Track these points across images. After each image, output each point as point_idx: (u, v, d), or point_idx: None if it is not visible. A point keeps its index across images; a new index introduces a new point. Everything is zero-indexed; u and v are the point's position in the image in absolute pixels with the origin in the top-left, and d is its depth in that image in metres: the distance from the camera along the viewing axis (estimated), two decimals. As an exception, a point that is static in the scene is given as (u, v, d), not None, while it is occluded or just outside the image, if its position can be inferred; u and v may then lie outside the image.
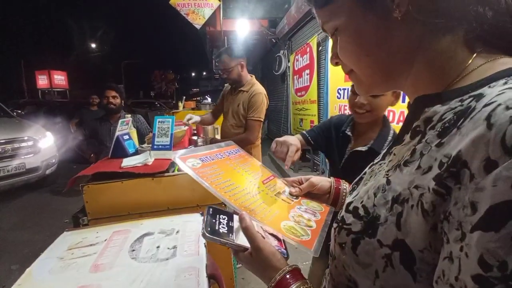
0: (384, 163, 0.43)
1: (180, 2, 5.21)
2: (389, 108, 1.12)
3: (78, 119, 4.46)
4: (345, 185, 0.71)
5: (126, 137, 1.60)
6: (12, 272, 2.32)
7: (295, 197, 0.68)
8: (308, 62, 4.61)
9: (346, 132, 1.13)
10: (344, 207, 0.43)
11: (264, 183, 0.67)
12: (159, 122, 1.50)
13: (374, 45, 0.38)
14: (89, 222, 1.17)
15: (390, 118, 2.24)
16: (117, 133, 1.54)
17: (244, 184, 0.62)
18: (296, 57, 5.23)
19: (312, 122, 4.65)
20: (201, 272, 0.72)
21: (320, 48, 4.28)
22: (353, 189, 0.49)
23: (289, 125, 6.05)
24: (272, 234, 0.54)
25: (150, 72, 23.55)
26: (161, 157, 1.43)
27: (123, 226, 0.98)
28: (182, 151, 0.60)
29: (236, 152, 0.75)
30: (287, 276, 0.44)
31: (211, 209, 0.52)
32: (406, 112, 0.43)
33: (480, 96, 0.29)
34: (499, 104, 0.25)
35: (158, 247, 0.84)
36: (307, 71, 4.68)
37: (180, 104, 5.03)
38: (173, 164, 1.35)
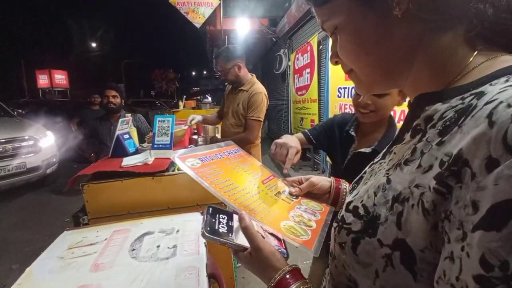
0: (385, 162, 0.43)
1: (179, 1, 5.21)
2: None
3: (79, 118, 4.46)
4: (345, 185, 0.71)
5: (126, 136, 1.60)
6: (12, 272, 2.33)
7: (295, 197, 0.68)
8: (308, 61, 4.60)
9: (350, 132, 1.10)
10: (344, 206, 0.43)
11: (264, 183, 0.67)
12: (159, 121, 1.50)
13: (374, 43, 0.38)
14: (89, 221, 1.17)
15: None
16: (117, 132, 1.54)
17: (243, 184, 0.62)
18: (297, 56, 5.22)
19: (312, 121, 4.64)
20: (201, 271, 0.72)
21: (321, 47, 4.28)
22: (353, 189, 0.49)
23: (290, 124, 6.05)
24: (272, 234, 0.53)
25: (150, 71, 23.59)
26: (161, 156, 1.43)
27: (123, 225, 0.98)
28: (181, 151, 0.60)
29: (235, 152, 0.75)
30: (287, 276, 0.44)
31: (210, 209, 0.52)
32: (406, 111, 0.42)
33: (481, 94, 0.29)
34: (501, 102, 0.25)
35: (158, 246, 0.84)
36: (308, 70, 4.67)
37: (181, 104, 5.03)
38: (173, 163, 1.35)
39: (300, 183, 0.71)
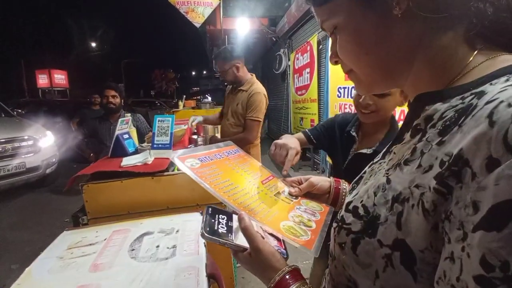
0: (384, 162, 0.42)
1: (179, 0, 5.20)
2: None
3: (79, 118, 4.45)
4: (344, 185, 0.71)
5: (126, 136, 1.59)
6: (12, 272, 2.33)
7: (294, 197, 0.67)
8: (308, 60, 4.60)
9: (351, 132, 1.09)
10: (343, 206, 0.43)
11: (263, 183, 0.67)
12: (159, 121, 1.50)
13: (374, 43, 0.38)
14: (88, 221, 1.17)
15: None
16: (117, 132, 1.53)
17: (243, 184, 0.62)
18: (297, 55, 5.22)
19: (312, 121, 4.64)
20: (200, 271, 0.72)
21: (321, 46, 4.28)
22: (352, 189, 0.48)
23: (289, 124, 6.05)
24: (271, 234, 0.53)
25: (150, 71, 23.59)
26: (161, 156, 1.42)
27: (123, 225, 0.98)
28: (181, 151, 0.60)
29: (235, 152, 0.75)
30: (287, 276, 0.44)
31: (210, 209, 0.52)
32: (406, 111, 0.42)
33: (482, 93, 0.28)
34: (501, 101, 0.25)
35: (157, 246, 0.84)
36: (308, 70, 4.67)
37: (180, 103, 5.02)
38: (173, 163, 1.34)
39: (300, 183, 0.71)
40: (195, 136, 2.11)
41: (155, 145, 1.47)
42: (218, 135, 2.25)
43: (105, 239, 0.89)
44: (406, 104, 0.98)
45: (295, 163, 0.83)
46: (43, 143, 4.23)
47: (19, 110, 7.28)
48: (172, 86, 22.71)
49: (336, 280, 0.42)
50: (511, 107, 0.24)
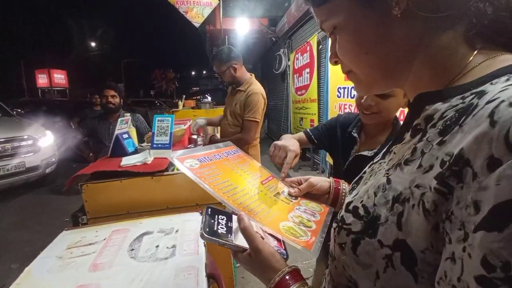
0: (384, 162, 0.42)
1: (179, -1, 5.20)
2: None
3: (79, 118, 4.44)
4: (344, 185, 0.70)
5: (125, 136, 1.59)
6: (12, 271, 2.32)
7: (294, 198, 0.67)
8: (308, 60, 4.60)
9: (352, 133, 1.07)
10: (343, 206, 0.43)
11: (263, 183, 0.67)
12: (158, 121, 1.50)
13: (374, 43, 0.37)
14: (88, 221, 1.17)
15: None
16: (116, 132, 1.53)
17: (242, 184, 0.62)
18: (296, 55, 5.22)
19: (312, 121, 4.64)
20: (200, 271, 0.72)
21: (320, 46, 4.28)
22: (352, 189, 0.48)
23: (289, 124, 6.05)
24: (271, 235, 0.53)
25: (150, 71, 23.52)
26: (161, 156, 1.42)
27: (122, 225, 0.98)
28: (180, 152, 0.60)
29: (234, 153, 0.75)
30: (287, 277, 0.44)
31: (209, 209, 0.52)
32: (406, 110, 0.42)
33: (482, 93, 0.28)
34: (502, 101, 0.25)
35: (157, 246, 0.84)
36: (307, 70, 4.67)
37: (180, 103, 5.01)
38: (172, 163, 1.34)
39: (299, 183, 0.71)
40: (194, 136, 2.11)
41: (154, 145, 1.47)
42: (218, 135, 2.26)
43: (104, 239, 0.89)
44: (407, 104, 0.97)
45: (294, 165, 0.83)
46: (42, 142, 4.23)
47: (19, 110, 7.27)
48: (172, 86, 22.68)
49: (336, 281, 0.42)
50: None
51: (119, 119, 1.59)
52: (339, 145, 1.13)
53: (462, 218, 0.25)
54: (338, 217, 0.42)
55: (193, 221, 0.99)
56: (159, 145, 1.47)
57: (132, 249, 0.82)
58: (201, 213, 1.05)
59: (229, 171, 0.64)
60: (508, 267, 0.21)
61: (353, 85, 0.45)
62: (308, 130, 1.19)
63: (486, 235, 0.22)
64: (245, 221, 0.48)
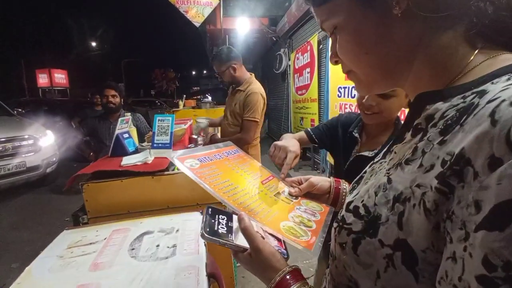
0: (385, 161, 0.42)
1: (179, -1, 5.21)
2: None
3: (81, 118, 4.44)
4: (344, 185, 0.70)
5: (126, 135, 1.59)
6: (12, 271, 2.33)
7: (294, 198, 0.67)
8: (308, 60, 4.60)
9: (353, 133, 1.06)
10: (344, 206, 0.43)
11: (263, 183, 0.67)
12: (159, 120, 1.50)
13: (374, 43, 0.37)
14: (89, 220, 1.17)
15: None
16: (117, 131, 1.53)
17: (243, 184, 0.62)
18: (297, 55, 5.21)
19: (312, 120, 4.64)
20: (200, 271, 0.72)
21: (321, 46, 4.27)
22: (353, 188, 0.48)
23: (290, 124, 6.05)
24: (272, 234, 0.53)
25: (150, 70, 23.55)
26: (161, 155, 1.42)
27: (123, 224, 0.98)
28: (180, 152, 0.60)
29: (234, 153, 0.75)
30: (287, 277, 0.44)
31: (210, 209, 0.52)
32: (407, 110, 0.42)
33: (483, 92, 0.28)
34: (503, 100, 0.25)
35: (157, 245, 0.84)
36: (308, 70, 4.67)
37: (181, 103, 5.01)
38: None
39: (300, 183, 0.71)
40: (195, 136, 2.11)
41: (155, 145, 1.47)
42: (219, 134, 2.26)
43: (105, 238, 0.89)
44: (407, 103, 0.97)
45: (294, 166, 0.83)
46: (43, 142, 4.23)
47: (20, 109, 7.28)
48: (173, 86, 22.69)
49: (337, 280, 0.42)
50: None
51: (120, 119, 1.59)
52: (340, 145, 1.12)
53: (463, 217, 0.25)
54: (339, 217, 0.42)
55: (194, 220, 0.99)
56: (160, 145, 1.47)
57: (133, 249, 0.82)
58: (201, 213, 1.05)
59: (230, 171, 0.64)
60: (509, 266, 0.21)
61: (353, 84, 0.45)
62: (309, 129, 1.19)
63: (487, 234, 0.22)
64: (245, 221, 0.48)
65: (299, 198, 0.68)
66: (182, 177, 1.22)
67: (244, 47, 8.24)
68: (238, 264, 1.65)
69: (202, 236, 0.46)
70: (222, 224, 0.50)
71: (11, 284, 0.68)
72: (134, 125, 2.03)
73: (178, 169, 1.29)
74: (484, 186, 0.23)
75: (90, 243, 0.87)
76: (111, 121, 2.54)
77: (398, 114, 1.03)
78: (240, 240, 0.49)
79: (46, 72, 16.58)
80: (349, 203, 0.41)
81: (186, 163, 0.58)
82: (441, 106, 0.33)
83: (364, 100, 0.97)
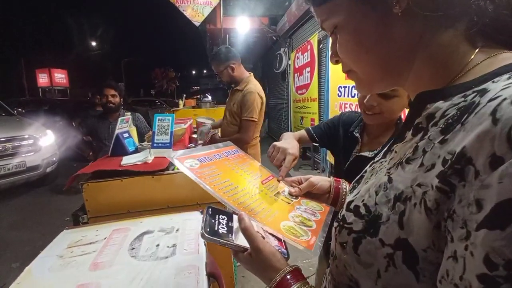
0: (385, 161, 0.42)
1: (179, -2, 5.21)
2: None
3: (81, 118, 4.43)
4: (345, 185, 0.70)
5: (125, 135, 1.59)
6: (12, 270, 2.33)
7: (294, 197, 0.67)
8: (308, 59, 4.60)
9: (354, 133, 1.05)
10: (344, 206, 0.43)
11: (263, 183, 0.67)
12: (159, 120, 1.50)
13: (374, 42, 0.37)
14: (88, 220, 1.17)
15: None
16: (117, 131, 1.53)
17: (243, 184, 0.61)
18: (297, 54, 5.21)
19: (312, 120, 4.64)
20: (200, 270, 0.72)
21: (321, 45, 4.27)
22: (353, 188, 0.48)
23: (290, 123, 6.05)
24: (272, 234, 0.53)
25: (150, 70, 23.55)
26: (161, 155, 1.42)
27: (123, 224, 0.98)
28: (180, 152, 0.60)
29: (234, 153, 0.75)
30: (288, 276, 0.44)
31: (210, 209, 0.52)
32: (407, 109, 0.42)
33: (484, 91, 0.28)
34: (505, 99, 0.25)
35: (157, 245, 0.84)
36: (308, 69, 4.67)
37: (181, 102, 5.02)
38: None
39: (300, 183, 0.71)
40: (195, 135, 2.11)
41: (155, 144, 1.47)
42: (219, 134, 2.27)
43: (105, 238, 0.89)
44: (408, 103, 0.97)
45: (292, 167, 0.82)
46: (43, 142, 4.23)
47: (20, 109, 7.28)
48: (172, 85, 22.68)
49: (337, 280, 0.42)
50: None
51: (120, 119, 1.59)
52: (340, 144, 1.12)
53: (464, 216, 0.25)
54: (339, 216, 0.42)
55: (194, 220, 0.99)
56: (160, 144, 1.47)
57: (133, 248, 0.82)
58: (201, 212, 1.05)
59: (229, 171, 0.64)
60: (510, 265, 0.21)
61: (353, 84, 0.45)
62: (310, 128, 1.19)
63: (489, 233, 0.22)
64: (245, 221, 0.48)
65: (299, 197, 0.68)
66: (182, 176, 1.22)
67: (244, 47, 8.23)
68: (238, 264, 1.65)
69: (203, 236, 0.46)
70: (223, 224, 0.50)
71: (11, 284, 0.68)
72: (134, 124, 2.03)
73: (178, 169, 1.29)
74: (485, 185, 0.23)
75: (90, 243, 0.87)
76: (110, 120, 2.53)
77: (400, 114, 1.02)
78: (241, 240, 0.49)
79: (46, 71, 16.60)
80: (350, 202, 0.41)
81: (186, 163, 0.58)
82: (441, 105, 0.33)
83: (365, 101, 0.96)
